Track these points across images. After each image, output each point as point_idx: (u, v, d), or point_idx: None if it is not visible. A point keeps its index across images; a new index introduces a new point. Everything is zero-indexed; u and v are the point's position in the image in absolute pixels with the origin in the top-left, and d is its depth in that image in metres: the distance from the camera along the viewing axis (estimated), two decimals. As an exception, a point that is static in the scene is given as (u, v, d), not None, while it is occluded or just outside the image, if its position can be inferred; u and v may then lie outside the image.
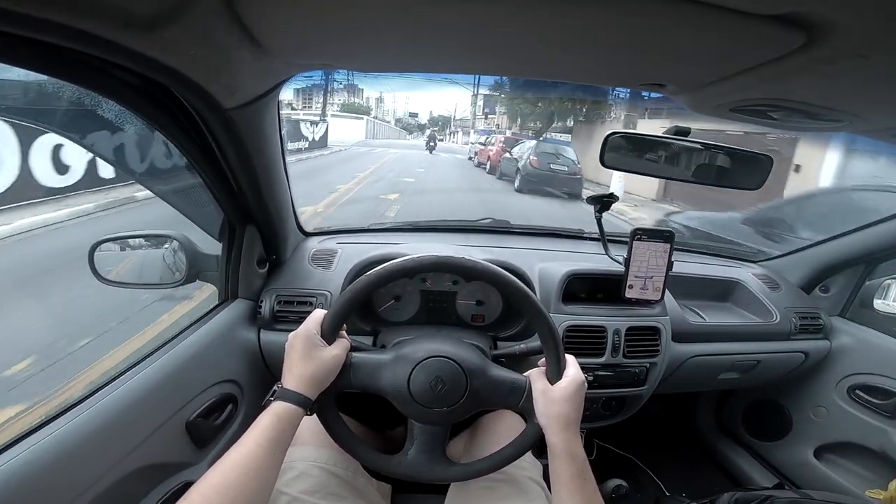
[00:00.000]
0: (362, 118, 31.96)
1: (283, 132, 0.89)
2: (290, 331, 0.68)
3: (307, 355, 0.64)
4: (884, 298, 1.33)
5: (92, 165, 5.30)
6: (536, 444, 0.70)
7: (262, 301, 1.02)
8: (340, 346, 0.67)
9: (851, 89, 0.52)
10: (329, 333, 0.66)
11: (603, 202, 1.11)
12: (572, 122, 17.83)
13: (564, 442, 0.64)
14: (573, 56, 0.56)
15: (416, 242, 1.22)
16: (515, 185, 10.19)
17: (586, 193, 7.72)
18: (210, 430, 0.85)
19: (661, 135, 0.86)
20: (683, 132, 0.83)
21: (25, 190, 4.54)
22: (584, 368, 0.71)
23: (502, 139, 13.64)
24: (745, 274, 1.44)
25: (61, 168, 4.95)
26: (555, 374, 0.69)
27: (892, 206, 1.25)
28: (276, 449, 0.58)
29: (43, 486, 0.54)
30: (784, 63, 0.45)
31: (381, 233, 1.43)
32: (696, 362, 1.23)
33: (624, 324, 1.11)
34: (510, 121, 25.03)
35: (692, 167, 0.87)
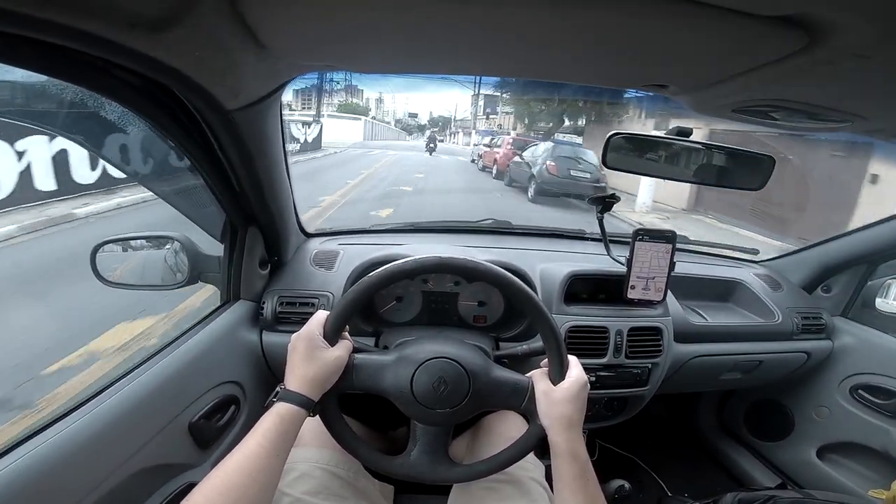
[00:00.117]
0: (360, 119, 31.49)
1: (285, 134, 0.89)
2: (293, 332, 0.68)
3: (310, 356, 0.64)
4: (886, 298, 1.34)
5: (25, 177, 4.47)
6: (539, 445, 0.70)
7: (264, 302, 1.02)
8: (343, 347, 0.67)
9: (853, 90, 0.52)
10: (332, 335, 0.66)
11: (605, 202, 1.11)
12: (584, 122, 16.57)
13: (567, 442, 0.64)
14: (575, 57, 0.56)
15: (417, 243, 1.22)
16: (530, 195, 8.91)
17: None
18: (213, 431, 0.85)
19: (662, 135, 0.86)
20: (685, 132, 0.83)
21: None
22: (586, 369, 0.71)
23: (510, 140, 12.14)
24: (747, 274, 1.44)
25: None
26: (557, 374, 0.69)
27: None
28: (279, 450, 0.58)
29: (47, 487, 0.54)
30: (786, 64, 0.45)
31: (383, 234, 1.43)
32: (699, 363, 1.23)
33: (626, 324, 1.11)
34: (517, 120, 23.78)
35: (694, 167, 0.87)
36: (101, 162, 5.19)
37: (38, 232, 4.11)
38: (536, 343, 0.82)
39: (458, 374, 0.68)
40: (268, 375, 1.03)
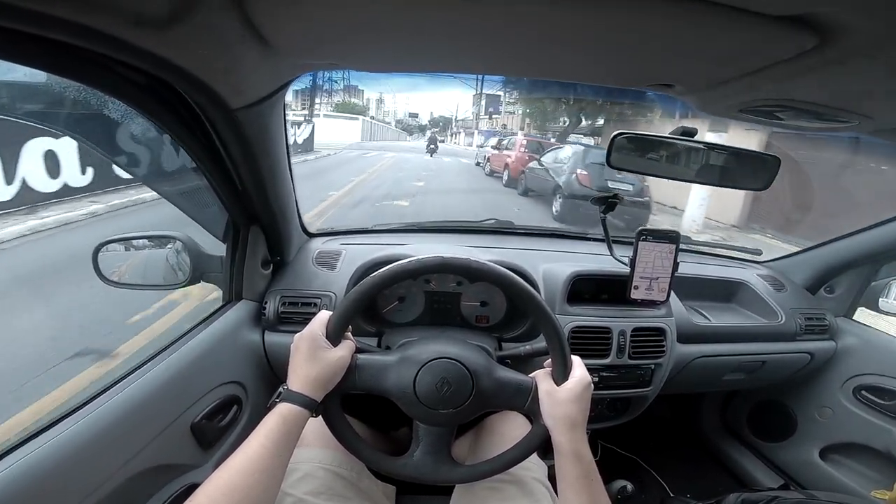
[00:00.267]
0: (358, 118, 30.84)
1: (288, 133, 0.89)
2: (295, 332, 0.68)
3: (313, 357, 0.63)
4: (889, 298, 1.33)
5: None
6: (542, 445, 0.70)
7: (266, 302, 1.02)
8: (346, 347, 0.67)
9: (861, 90, 0.52)
10: (334, 335, 0.66)
11: (608, 203, 1.11)
12: (601, 122, 14.66)
13: (571, 443, 0.64)
14: (580, 56, 0.55)
15: (419, 243, 1.22)
16: (555, 211, 7.27)
17: (659, 216, 6.41)
18: (215, 431, 0.85)
19: (666, 135, 0.85)
20: (690, 132, 0.82)
21: None
22: (588, 369, 0.70)
23: (523, 142, 10.45)
24: (750, 275, 1.43)
25: None
26: (561, 374, 0.68)
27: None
28: (282, 450, 0.58)
29: (49, 488, 0.54)
30: (795, 64, 0.45)
31: (385, 234, 1.42)
32: (702, 363, 1.23)
33: (629, 325, 1.10)
34: (527, 119, 22.09)
35: (698, 167, 0.86)
36: (63, 171, 4.83)
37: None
38: (539, 343, 0.82)
39: (461, 374, 0.68)
40: (270, 375, 1.03)
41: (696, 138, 0.84)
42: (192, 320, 0.91)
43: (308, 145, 13.91)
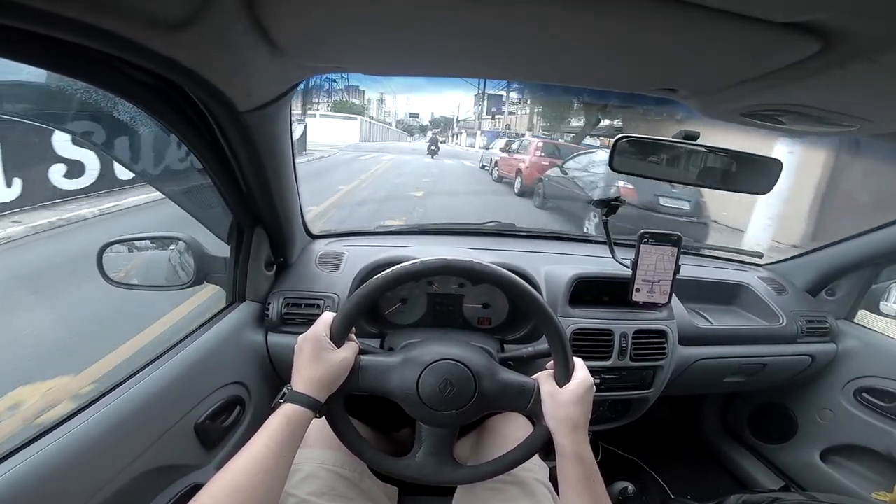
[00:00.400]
0: (356, 118, 30.35)
1: (293, 135, 0.89)
2: (298, 333, 0.68)
3: (316, 358, 0.64)
4: (890, 301, 1.33)
5: None
6: (544, 447, 0.70)
7: (269, 303, 1.02)
8: (349, 348, 0.67)
9: (863, 93, 0.52)
10: (338, 336, 0.66)
11: (610, 206, 1.11)
12: (620, 123, 13.09)
13: (573, 444, 0.64)
14: (585, 61, 0.56)
15: (422, 245, 1.22)
16: (587, 230, 5.97)
17: (714, 237, 5.66)
18: (218, 432, 0.85)
19: (669, 138, 0.86)
20: (692, 136, 0.83)
21: None
22: (590, 371, 0.71)
23: (539, 145, 9.19)
24: (752, 277, 1.44)
25: None
26: (563, 376, 0.69)
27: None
28: (286, 451, 0.58)
29: (52, 489, 0.54)
30: (798, 68, 0.45)
31: (388, 235, 1.43)
32: (703, 365, 1.23)
33: (631, 327, 1.11)
34: (541, 118, 20.16)
35: (700, 170, 0.87)
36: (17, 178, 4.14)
37: None
38: (541, 345, 0.82)
39: (464, 376, 0.68)
40: (273, 376, 1.03)
41: (698, 141, 0.85)
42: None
43: (300, 146, 13.06)
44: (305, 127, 14.09)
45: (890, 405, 1.27)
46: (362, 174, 10.43)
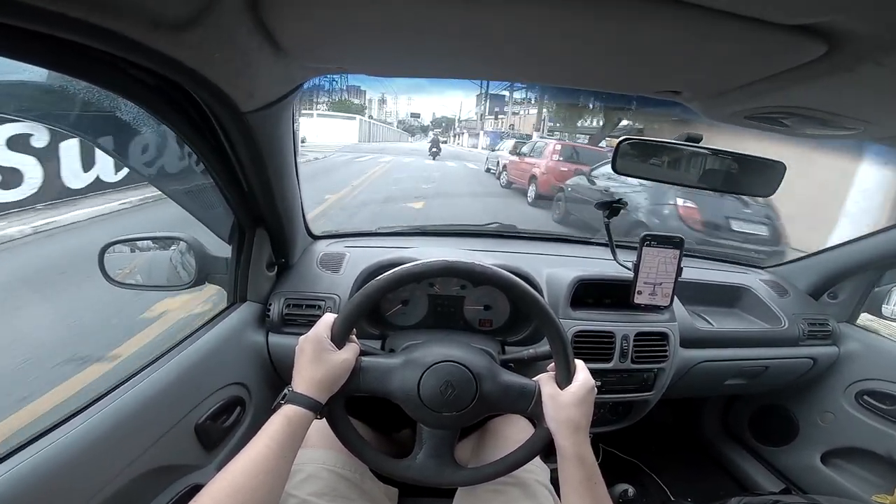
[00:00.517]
0: (355, 118, 29.96)
1: (296, 136, 0.89)
2: (299, 334, 0.68)
3: (317, 359, 0.64)
4: (892, 304, 1.33)
5: None
6: (545, 449, 0.70)
7: (270, 304, 1.02)
8: (350, 350, 0.67)
9: (867, 96, 0.52)
10: (339, 337, 0.66)
11: (612, 208, 1.11)
12: (640, 124, 11.81)
13: (574, 446, 0.64)
14: (588, 62, 0.56)
15: (423, 247, 1.22)
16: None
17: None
18: (218, 432, 0.85)
19: (671, 141, 0.86)
20: (695, 139, 0.83)
21: None
22: (592, 373, 0.70)
23: (556, 148, 7.89)
24: (754, 280, 1.43)
25: None
26: (564, 378, 0.68)
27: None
28: (287, 452, 0.58)
29: (53, 489, 0.54)
30: (803, 71, 0.45)
31: (389, 237, 1.43)
32: (704, 368, 1.22)
33: (632, 329, 1.10)
34: (556, 116, 18.63)
35: (703, 173, 0.87)
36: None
37: None
38: (543, 347, 0.82)
39: (465, 377, 0.68)
40: (273, 377, 1.03)
41: (701, 144, 0.84)
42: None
43: (293, 148, 12.86)
44: (298, 127, 14.03)
45: (891, 408, 1.27)
46: (355, 180, 9.33)
